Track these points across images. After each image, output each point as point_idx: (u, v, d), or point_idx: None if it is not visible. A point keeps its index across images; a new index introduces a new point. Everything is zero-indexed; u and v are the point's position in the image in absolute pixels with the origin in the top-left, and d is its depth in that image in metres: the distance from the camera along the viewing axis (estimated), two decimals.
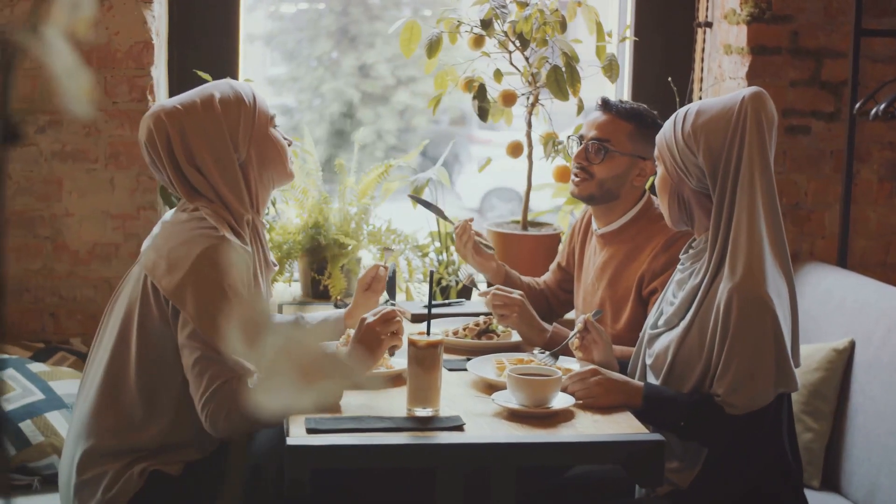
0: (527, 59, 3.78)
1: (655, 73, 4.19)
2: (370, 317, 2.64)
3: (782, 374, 2.58)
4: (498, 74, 3.79)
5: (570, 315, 3.62)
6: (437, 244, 3.97)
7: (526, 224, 3.93)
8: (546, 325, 3.13)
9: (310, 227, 3.77)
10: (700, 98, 4.13)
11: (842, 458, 3.24)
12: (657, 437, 2.40)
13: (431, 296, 2.62)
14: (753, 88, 2.65)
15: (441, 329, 3.20)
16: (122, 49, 3.50)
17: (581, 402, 2.61)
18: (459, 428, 2.43)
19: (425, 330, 2.60)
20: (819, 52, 3.91)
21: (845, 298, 3.44)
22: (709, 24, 4.15)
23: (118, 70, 3.50)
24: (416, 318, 3.44)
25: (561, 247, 3.61)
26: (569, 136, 3.58)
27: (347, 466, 2.31)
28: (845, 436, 3.25)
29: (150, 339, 2.59)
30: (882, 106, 3.55)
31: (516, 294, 3.11)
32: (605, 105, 3.28)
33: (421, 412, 2.49)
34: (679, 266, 2.80)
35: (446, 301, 3.66)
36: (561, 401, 2.55)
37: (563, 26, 3.75)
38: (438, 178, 3.93)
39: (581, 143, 3.28)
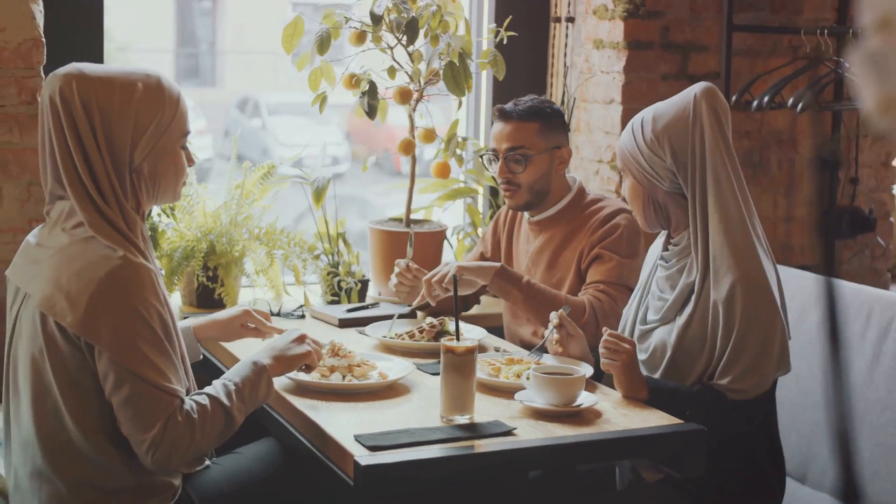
0: (409, 55, 3.74)
1: (517, 69, 4.24)
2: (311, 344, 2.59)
3: (782, 359, 2.69)
4: (392, 71, 3.74)
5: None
6: (327, 244, 3.86)
7: (409, 221, 3.89)
8: (487, 263, 3.17)
9: (208, 232, 3.58)
10: (565, 91, 4.21)
11: None
12: (697, 426, 2.45)
13: (457, 301, 2.55)
14: (703, 84, 2.75)
15: (392, 332, 3.14)
16: (10, 47, 3.17)
17: (601, 357, 2.63)
18: (511, 433, 2.39)
19: (453, 335, 2.54)
20: (686, 46, 4.08)
21: None
22: (570, 20, 4.25)
23: (5, 70, 3.16)
24: (344, 324, 3.34)
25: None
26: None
27: (424, 481, 2.22)
28: None
29: (74, 382, 2.28)
30: (766, 98, 3.76)
31: (445, 267, 3.14)
32: (504, 114, 3.29)
33: (460, 419, 2.43)
34: (663, 263, 2.85)
35: (363, 304, 3.57)
36: (587, 398, 2.56)
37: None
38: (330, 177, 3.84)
39: (497, 159, 3.29)
